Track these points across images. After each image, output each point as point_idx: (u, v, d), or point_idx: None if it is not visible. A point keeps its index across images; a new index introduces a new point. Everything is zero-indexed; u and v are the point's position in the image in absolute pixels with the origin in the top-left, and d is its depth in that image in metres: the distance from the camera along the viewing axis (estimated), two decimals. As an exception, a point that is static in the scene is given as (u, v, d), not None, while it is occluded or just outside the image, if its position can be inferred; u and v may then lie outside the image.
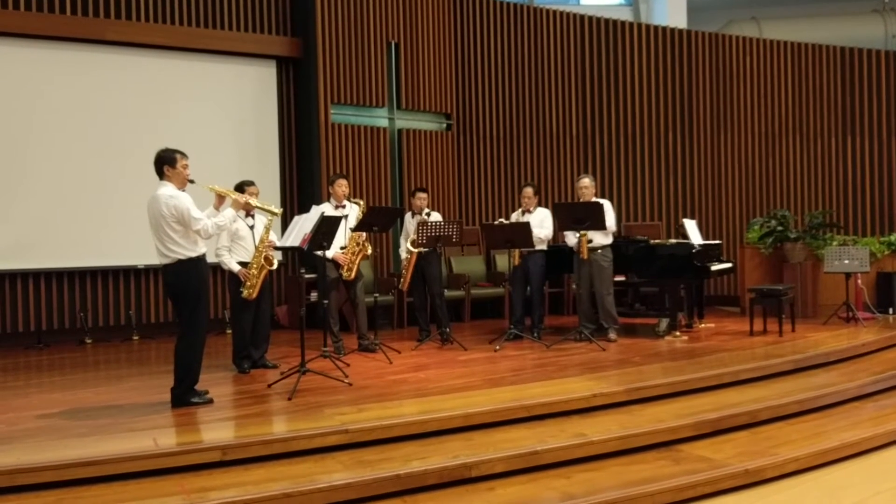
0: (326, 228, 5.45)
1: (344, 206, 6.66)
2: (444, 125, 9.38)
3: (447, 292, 7.48)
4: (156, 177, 4.75)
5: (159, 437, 3.97)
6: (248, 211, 5.87)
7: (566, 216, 6.68)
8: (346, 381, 5.27)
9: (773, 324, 7.22)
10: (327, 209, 6.29)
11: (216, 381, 5.42)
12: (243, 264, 5.81)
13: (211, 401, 4.78)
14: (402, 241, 7.40)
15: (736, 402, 4.92)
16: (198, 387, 4.81)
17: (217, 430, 4.23)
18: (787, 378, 5.61)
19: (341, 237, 6.33)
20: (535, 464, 4.00)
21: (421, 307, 7.31)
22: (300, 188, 9.05)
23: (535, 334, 7.14)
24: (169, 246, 4.65)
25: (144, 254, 7.24)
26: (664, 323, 7.32)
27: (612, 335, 6.97)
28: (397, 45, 8.99)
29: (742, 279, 8.96)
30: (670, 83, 10.39)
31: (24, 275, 7.80)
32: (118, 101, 8.12)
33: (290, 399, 4.81)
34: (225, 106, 8.66)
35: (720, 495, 3.91)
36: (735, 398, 5.04)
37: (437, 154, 9.24)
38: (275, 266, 5.89)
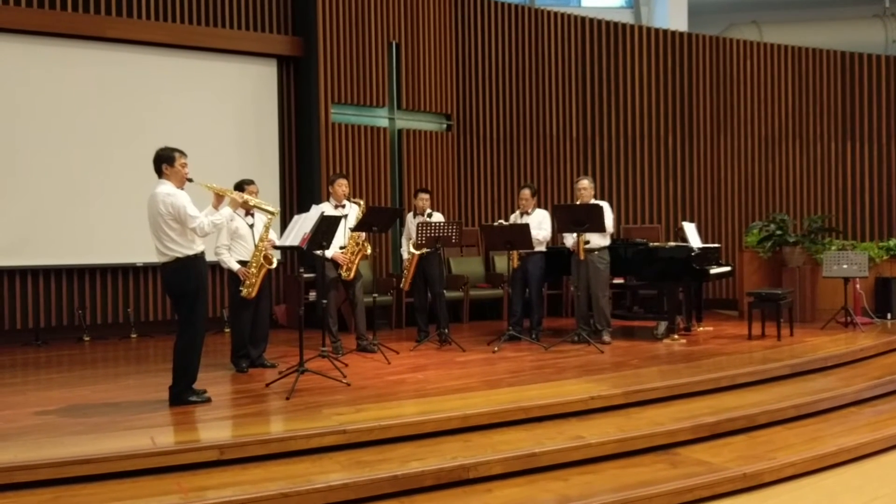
0: (326, 228, 5.45)
1: (344, 206, 6.66)
2: (445, 126, 9.38)
3: (446, 293, 7.47)
4: (155, 175, 4.76)
5: (157, 435, 3.97)
6: (248, 210, 5.88)
7: (566, 218, 6.68)
8: (344, 381, 5.26)
9: (772, 328, 7.22)
10: (327, 209, 6.28)
11: (214, 380, 5.42)
12: (243, 263, 5.81)
13: (209, 399, 4.78)
14: (403, 241, 7.40)
15: (734, 406, 4.92)
16: (196, 385, 4.81)
17: (215, 429, 4.23)
18: (785, 382, 5.61)
19: (341, 237, 6.32)
20: (533, 466, 4.00)
21: (421, 308, 7.30)
22: (300, 187, 9.04)
23: (534, 336, 7.14)
24: (167, 244, 4.65)
25: (143, 251, 7.19)
26: (662, 326, 7.32)
27: (606, 337, 6.96)
28: (398, 45, 8.99)
29: (741, 283, 8.96)
30: (671, 86, 10.40)
31: (23, 272, 7.78)
32: (118, 99, 8.10)
33: (288, 399, 4.80)
34: (225, 104, 8.64)
35: (718, 499, 3.91)
36: (733, 402, 5.04)
37: (436, 154, 9.23)
38: (274, 265, 5.88)
